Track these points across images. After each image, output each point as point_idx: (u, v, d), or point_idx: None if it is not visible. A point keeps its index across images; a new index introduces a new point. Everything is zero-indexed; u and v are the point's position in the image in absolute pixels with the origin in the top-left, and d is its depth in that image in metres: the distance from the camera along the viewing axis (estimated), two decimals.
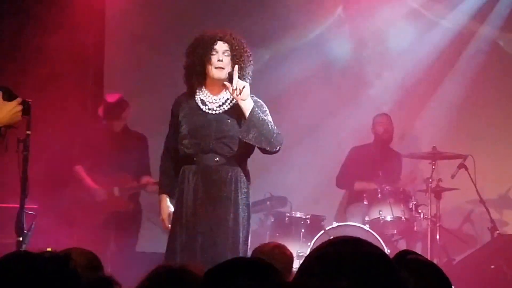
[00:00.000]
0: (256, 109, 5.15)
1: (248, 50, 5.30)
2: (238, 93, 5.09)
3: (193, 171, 5.23)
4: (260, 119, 5.14)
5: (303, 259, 6.47)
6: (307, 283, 1.98)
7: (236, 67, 5.14)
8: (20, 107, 4.39)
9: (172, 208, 5.36)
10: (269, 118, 5.27)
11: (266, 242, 5.32)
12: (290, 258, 4.90)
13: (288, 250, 4.92)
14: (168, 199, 5.41)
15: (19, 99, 4.40)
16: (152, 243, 8.24)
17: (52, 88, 7.70)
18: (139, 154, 7.51)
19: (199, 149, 5.22)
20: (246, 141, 5.15)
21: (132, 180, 7.40)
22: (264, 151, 5.24)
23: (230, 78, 5.22)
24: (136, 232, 7.66)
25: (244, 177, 5.30)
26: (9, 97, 4.40)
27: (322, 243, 2.09)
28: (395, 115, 8.48)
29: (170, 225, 5.34)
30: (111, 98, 7.49)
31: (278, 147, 5.23)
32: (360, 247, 2.02)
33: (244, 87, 5.10)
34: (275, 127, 5.22)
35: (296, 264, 7.03)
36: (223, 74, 5.22)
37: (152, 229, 8.12)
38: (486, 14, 9.00)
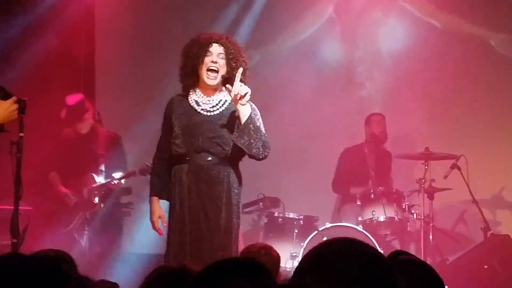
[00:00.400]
0: (253, 115, 5.15)
1: (244, 55, 5.30)
2: (239, 97, 5.08)
3: (185, 170, 5.23)
4: (255, 126, 5.13)
5: (296, 259, 6.49)
6: (303, 283, 1.99)
7: (241, 70, 5.13)
8: (16, 106, 4.40)
9: (162, 210, 5.37)
10: (261, 122, 5.27)
11: (259, 242, 5.30)
12: (276, 259, 4.90)
13: (274, 250, 4.92)
14: (158, 201, 5.42)
15: (14, 98, 4.41)
16: (140, 243, 8.26)
17: (43, 90, 7.69)
18: (110, 153, 7.41)
19: (192, 148, 5.22)
20: (238, 145, 5.15)
21: (99, 180, 7.30)
22: (250, 156, 5.25)
23: (224, 81, 5.24)
24: (117, 232, 7.54)
25: (236, 178, 5.31)
26: (4, 96, 4.40)
27: (319, 243, 2.09)
28: (387, 116, 8.48)
29: (160, 227, 5.35)
30: (72, 100, 7.38)
31: (265, 156, 5.24)
32: (357, 247, 2.03)
33: (246, 94, 5.08)
34: (266, 135, 5.22)
35: (289, 265, 7.08)
36: (215, 82, 5.24)
37: (139, 229, 8.13)
38: (477, 14, 9.02)
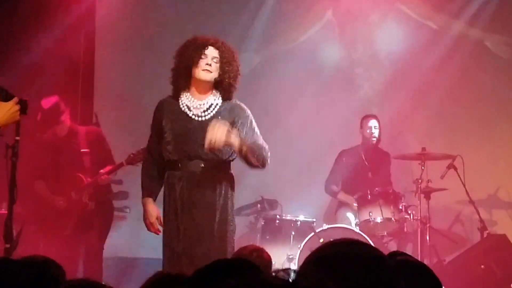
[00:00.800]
0: (245, 140, 5.13)
1: (238, 60, 5.32)
2: (213, 143, 5.03)
3: (178, 177, 5.23)
4: (250, 148, 5.12)
5: (293, 262, 6.47)
6: (305, 284, 1.98)
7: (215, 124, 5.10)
8: (17, 107, 4.38)
9: (158, 210, 5.35)
10: (255, 126, 5.28)
11: (251, 245, 5.27)
12: (268, 261, 4.89)
13: (266, 253, 4.90)
14: (153, 202, 5.38)
15: (16, 99, 4.39)
16: (137, 248, 8.23)
17: (42, 92, 7.66)
18: (93, 149, 7.33)
19: (185, 155, 5.22)
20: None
21: (86, 179, 7.21)
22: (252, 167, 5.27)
23: (216, 84, 5.25)
24: (102, 233, 7.36)
25: (229, 182, 5.30)
26: (5, 96, 4.39)
27: (322, 244, 2.07)
28: (385, 117, 8.49)
29: (158, 229, 5.33)
30: (47, 104, 7.31)
31: (266, 165, 5.26)
32: (360, 249, 2.01)
33: (220, 135, 5.02)
34: (263, 143, 5.24)
35: (286, 266, 7.05)
36: (210, 77, 5.24)
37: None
38: (473, 16, 9.05)
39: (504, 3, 9.06)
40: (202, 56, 5.22)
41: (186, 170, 5.21)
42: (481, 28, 9.08)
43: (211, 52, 5.25)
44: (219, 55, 5.25)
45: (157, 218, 5.33)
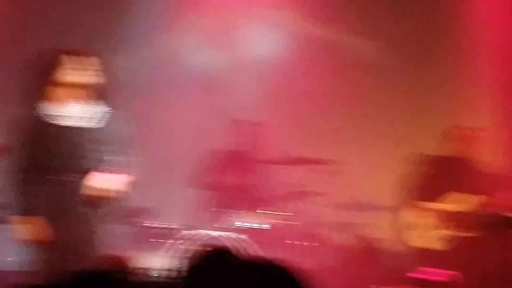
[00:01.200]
0: None
1: (98, 67, 5.27)
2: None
3: (56, 189, 5.14)
4: None
5: (162, 271, 6.41)
6: None
7: None
8: None
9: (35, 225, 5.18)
10: None
11: (111, 253, 5.26)
12: (126, 269, 4.83)
13: (125, 262, 4.86)
14: (31, 217, 5.18)
15: None
16: None
17: None
18: None
19: (62, 168, 5.15)
20: None
21: None
22: None
23: (80, 90, 5.21)
24: None
25: None
26: None
27: (193, 254, 2.11)
28: (255, 121, 8.52)
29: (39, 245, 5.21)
30: None
31: None
32: (226, 256, 1.99)
33: None
34: None
35: (156, 275, 6.94)
36: (75, 79, 5.19)
37: None
38: (349, 23, 9.27)
39: (380, 8, 9.28)
40: (63, 63, 5.19)
41: (66, 182, 5.14)
42: (358, 34, 9.30)
43: (71, 59, 5.21)
44: (79, 61, 5.22)
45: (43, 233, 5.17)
